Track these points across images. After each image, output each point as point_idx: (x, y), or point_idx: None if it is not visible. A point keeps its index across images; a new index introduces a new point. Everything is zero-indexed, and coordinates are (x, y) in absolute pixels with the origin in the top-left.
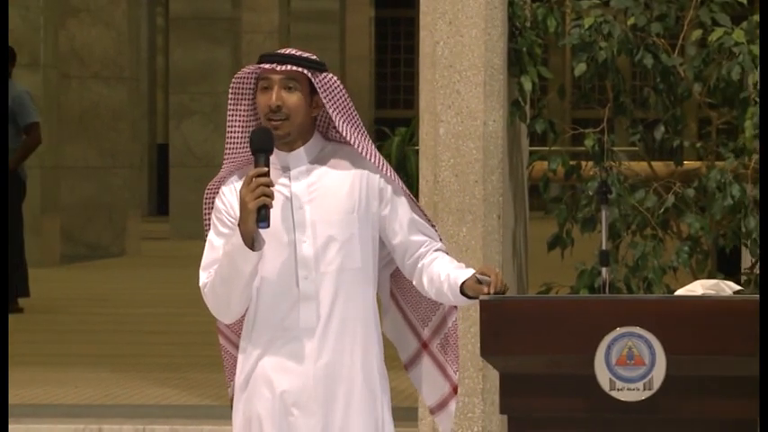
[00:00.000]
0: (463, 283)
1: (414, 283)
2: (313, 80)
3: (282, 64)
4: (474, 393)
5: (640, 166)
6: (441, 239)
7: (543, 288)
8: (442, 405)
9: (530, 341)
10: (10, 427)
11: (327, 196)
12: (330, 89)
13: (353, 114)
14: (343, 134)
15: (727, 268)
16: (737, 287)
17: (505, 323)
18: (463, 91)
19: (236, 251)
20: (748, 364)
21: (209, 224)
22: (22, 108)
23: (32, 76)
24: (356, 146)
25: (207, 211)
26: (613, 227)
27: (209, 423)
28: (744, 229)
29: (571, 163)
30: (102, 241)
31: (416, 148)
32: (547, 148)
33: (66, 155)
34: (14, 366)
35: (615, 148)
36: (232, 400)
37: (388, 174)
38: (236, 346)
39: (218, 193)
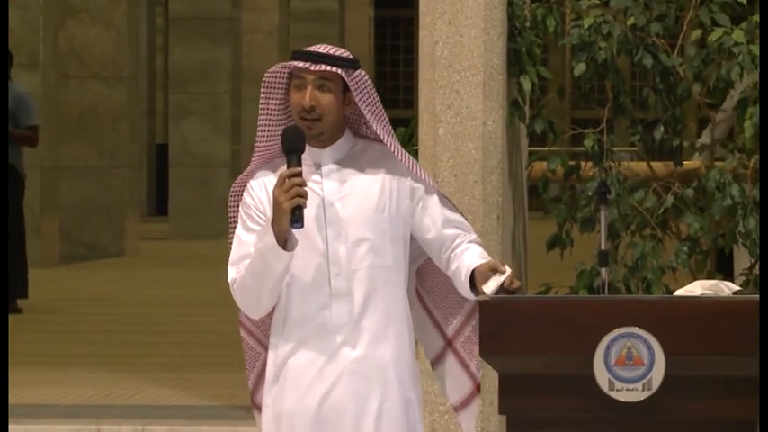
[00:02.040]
0: (475, 269)
1: (448, 275)
2: (346, 79)
3: (317, 63)
4: None
5: (640, 167)
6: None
7: (543, 288)
8: (465, 403)
9: (529, 341)
10: (9, 427)
11: (358, 195)
12: (362, 87)
13: (382, 112)
14: (376, 132)
15: (727, 269)
16: (737, 287)
17: (505, 323)
18: (462, 91)
19: (268, 250)
20: (748, 364)
21: (235, 218)
22: (26, 109)
23: (31, 76)
24: (387, 145)
25: (233, 206)
26: (612, 227)
27: (208, 423)
28: (743, 230)
29: (570, 163)
30: (101, 241)
31: (416, 148)
32: (546, 149)
33: (65, 155)
34: (14, 366)
35: (615, 149)
36: (252, 393)
37: (418, 173)
38: (258, 340)
39: (245, 187)
